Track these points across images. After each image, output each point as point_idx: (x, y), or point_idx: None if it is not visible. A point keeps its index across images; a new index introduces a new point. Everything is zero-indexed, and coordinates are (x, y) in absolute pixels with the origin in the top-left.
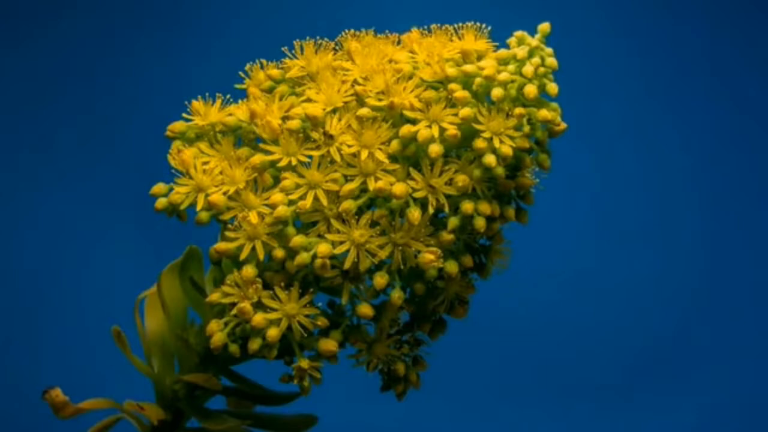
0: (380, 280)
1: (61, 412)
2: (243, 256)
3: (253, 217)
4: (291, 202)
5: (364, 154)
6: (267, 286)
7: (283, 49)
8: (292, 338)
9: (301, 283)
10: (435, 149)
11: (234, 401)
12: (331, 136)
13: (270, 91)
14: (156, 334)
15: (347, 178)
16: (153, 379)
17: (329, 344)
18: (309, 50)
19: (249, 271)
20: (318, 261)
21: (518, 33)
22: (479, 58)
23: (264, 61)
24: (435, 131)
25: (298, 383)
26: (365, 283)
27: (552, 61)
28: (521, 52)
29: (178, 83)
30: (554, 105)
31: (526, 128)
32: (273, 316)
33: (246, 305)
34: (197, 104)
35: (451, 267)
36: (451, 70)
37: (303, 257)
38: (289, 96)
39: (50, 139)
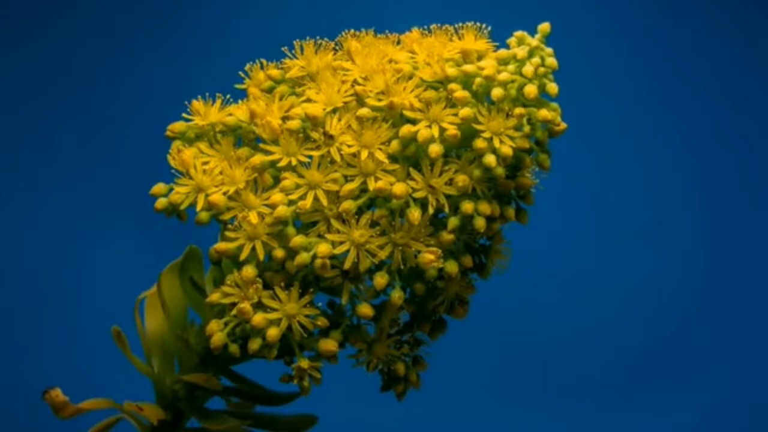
0: (380, 280)
1: (61, 413)
2: (243, 256)
3: (253, 217)
4: (291, 202)
5: (364, 154)
6: (267, 286)
7: (283, 49)
8: (292, 338)
9: (301, 283)
10: (435, 149)
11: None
12: (331, 136)
13: (270, 91)
14: (156, 334)
15: (347, 178)
16: (153, 379)
17: (329, 344)
18: (309, 50)
19: (249, 271)
20: (318, 261)
21: (518, 33)
22: (479, 58)
23: (264, 61)
24: (435, 131)
25: (298, 383)
26: (365, 283)
27: (552, 61)
28: (521, 52)
29: (178, 83)
30: (554, 105)
31: (526, 128)
32: (273, 316)
33: (246, 305)
34: (197, 104)
35: (451, 267)
36: (451, 70)
37: (303, 257)
38: (289, 96)
39: (50, 139)
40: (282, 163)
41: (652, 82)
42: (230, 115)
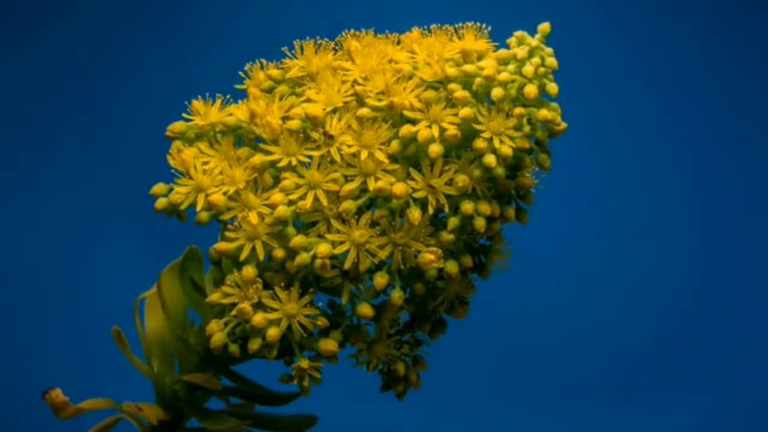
0: (380, 280)
1: (61, 413)
2: (243, 256)
3: (253, 218)
4: (291, 202)
5: (364, 154)
6: (267, 286)
7: (283, 49)
8: (292, 338)
9: (301, 283)
10: (435, 149)
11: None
12: (331, 136)
13: (270, 91)
14: (156, 334)
15: (347, 178)
16: (153, 379)
17: (329, 344)
18: (309, 50)
19: (249, 271)
20: (318, 261)
21: (518, 33)
22: (479, 58)
23: (264, 61)
24: (435, 131)
25: (297, 383)
26: (365, 283)
27: (552, 61)
28: (521, 52)
29: (178, 83)
30: (554, 105)
31: (526, 128)
32: (273, 316)
33: (246, 306)
34: (197, 104)
35: (451, 267)
36: (451, 70)
37: (303, 257)
38: (289, 96)
39: (50, 139)
40: (282, 163)
41: (652, 82)
42: (230, 115)
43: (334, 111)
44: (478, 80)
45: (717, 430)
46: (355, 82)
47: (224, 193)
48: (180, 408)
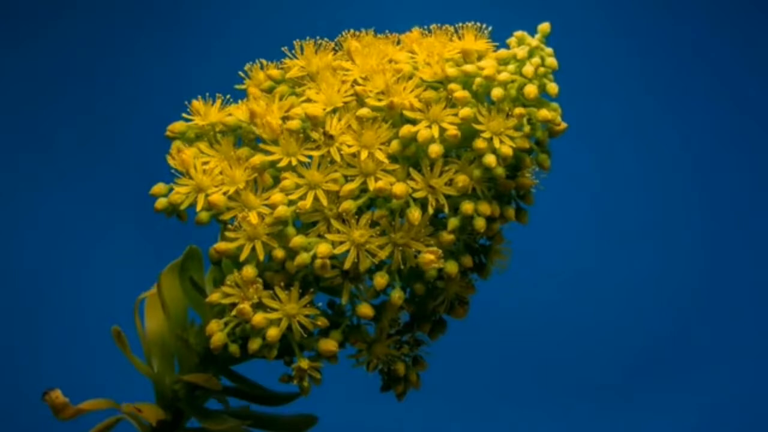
0: (380, 280)
1: (61, 414)
2: (243, 256)
3: (253, 218)
4: (291, 202)
5: (364, 154)
6: (267, 286)
7: (283, 49)
8: (292, 338)
9: (301, 283)
10: (435, 149)
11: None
12: (331, 136)
13: (270, 91)
14: (156, 334)
15: (347, 178)
16: (153, 379)
17: (329, 344)
18: (309, 50)
19: (249, 271)
20: (318, 261)
21: (518, 33)
22: (479, 58)
23: (264, 61)
24: (435, 131)
25: (297, 383)
26: (365, 283)
27: (552, 61)
28: (521, 52)
29: (178, 83)
30: (554, 105)
31: (527, 128)
32: (273, 316)
33: (246, 306)
34: (197, 104)
35: (451, 267)
36: (451, 70)
37: (303, 257)
38: (289, 96)
39: (50, 139)
40: (282, 163)
41: (652, 82)
42: (230, 115)
43: (334, 111)
44: (478, 80)
45: (717, 430)
46: (355, 82)
47: (224, 193)
48: (180, 408)
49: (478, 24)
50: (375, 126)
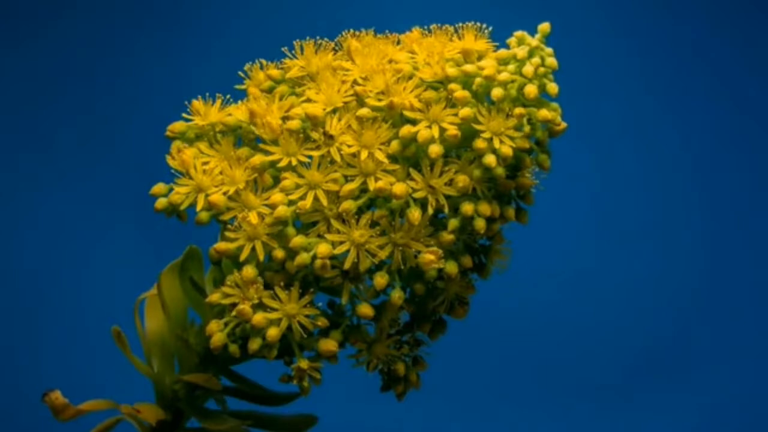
0: (380, 280)
1: (61, 415)
2: (243, 256)
3: (253, 218)
4: (291, 203)
5: (363, 155)
6: (267, 286)
7: (283, 49)
8: (292, 338)
9: (301, 283)
10: (435, 150)
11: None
12: (331, 136)
13: (270, 91)
14: (156, 334)
15: (347, 179)
16: (153, 379)
17: (329, 344)
18: (309, 50)
19: (249, 271)
20: (318, 261)
21: (518, 33)
22: (479, 58)
23: (264, 61)
24: (435, 131)
25: (297, 383)
26: (365, 283)
27: (552, 61)
28: (521, 52)
29: (178, 83)
30: (554, 105)
31: (527, 128)
32: (273, 315)
33: (245, 307)
34: (197, 104)
35: (451, 267)
36: (451, 70)
37: (303, 258)
38: (289, 96)
39: (50, 139)
40: (282, 164)
41: (652, 82)
42: (230, 115)
43: (334, 111)
44: (478, 80)
45: (717, 430)
46: (355, 82)
47: (224, 193)
48: (180, 408)
49: (478, 24)
50: (375, 126)
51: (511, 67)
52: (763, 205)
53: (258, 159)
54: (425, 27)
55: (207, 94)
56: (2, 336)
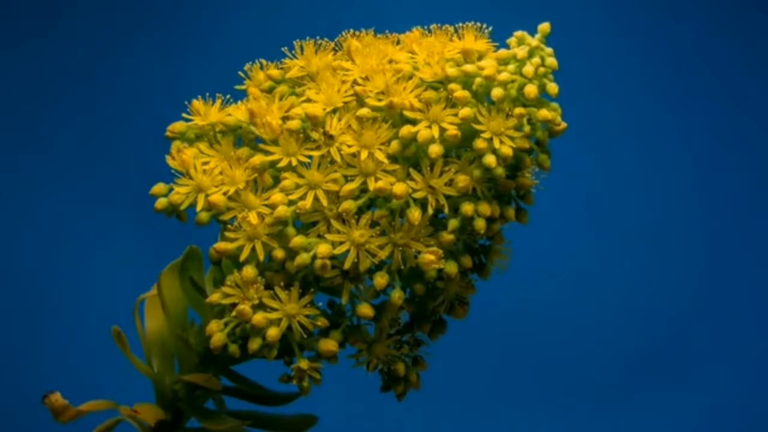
0: (380, 280)
1: (61, 416)
2: (243, 256)
3: (253, 218)
4: (291, 203)
5: (363, 155)
6: (267, 286)
7: (283, 49)
8: (292, 338)
9: (301, 283)
10: (435, 150)
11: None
12: (331, 136)
13: (270, 91)
14: (156, 334)
15: (347, 179)
16: (153, 380)
17: (329, 344)
18: (309, 50)
19: (249, 271)
20: (318, 261)
21: (518, 33)
22: (479, 58)
23: (264, 61)
24: (435, 131)
25: (297, 383)
26: (365, 283)
27: (552, 61)
28: (521, 52)
29: (178, 83)
30: (554, 105)
31: (527, 128)
32: (273, 315)
33: (245, 307)
34: (197, 104)
35: (451, 268)
36: (451, 70)
37: (303, 258)
38: (289, 96)
39: (50, 139)
40: (282, 164)
41: (652, 82)
42: (230, 115)
43: (334, 111)
44: (478, 80)
45: (717, 430)
46: (355, 82)
47: (224, 194)
48: (180, 408)
49: (478, 24)
50: (375, 126)
51: (511, 67)
52: (763, 205)
53: (258, 159)
54: (425, 27)
55: (207, 94)
56: (2, 336)
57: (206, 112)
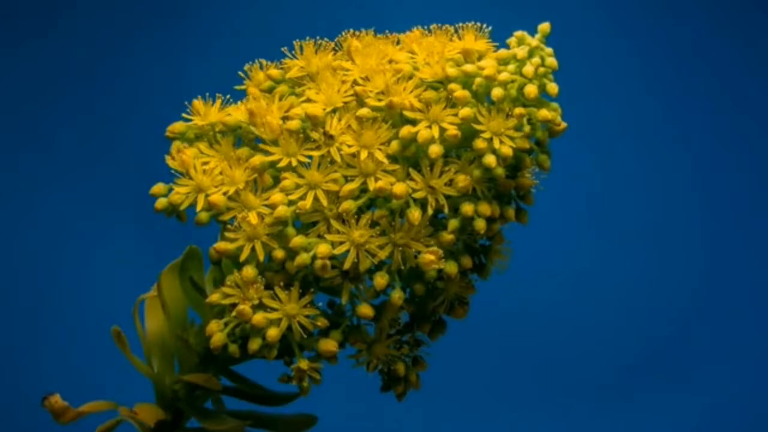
0: (380, 280)
1: (61, 418)
2: (243, 256)
3: (253, 218)
4: (291, 203)
5: (363, 155)
6: (267, 286)
7: (283, 49)
8: (291, 338)
9: (301, 283)
10: (435, 150)
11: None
12: (331, 137)
13: (270, 91)
14: (156, 334)
15: (347, 179)
16: (153, 380)
17: (329, 344)
18: (309, 50)
19: (249, 271)
20: (318, 262)
21: (518, 33)
22: (479, 58)
23: (264, 61)
24: (435, 132)
25: (297, 384)
26: (365, 283)
27: (552, 61)
28: (521, 52)
29: (178, 83)
30: (554, 105)
31: (527, 128)
32: (273, 316)
33: (245, 307)
34: (197, 104)
35: (451, 268)
36: (451, 70)
37: (303, 258)
38: (289, 96)
39: (50, 139)
40: (282, 164)
41: (652, 82)
42: (230, 115)
43: (334, 111)
44: (478, 80)
45: (717, 430)
46: (355, 82)
47: (224, 194)
48: (180, 408)
49: (478, 24)
50: (375, 126)
51: (511, 67)
52: (763, 205)
53: (258, 159)
54: (425, 27)
55: (207, 94)
56: (2, 336)
57: (206, 112)
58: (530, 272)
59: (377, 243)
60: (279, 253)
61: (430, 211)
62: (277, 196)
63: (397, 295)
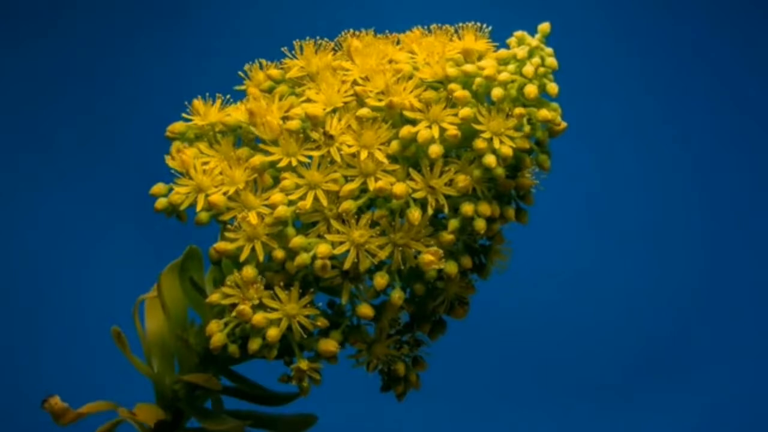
0: (380, 280)
1: (61, 419)
2: (243, 256)
3: (253, 218)
4: (291, 203)
5: (363, 155)
6: (267, 286)
7: (283, 49)
8: (291, 338)
9: (301, 283)
10: (435, 150)
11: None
12: (331, 137)
13: (270, 91)
14: (156, 334)
15: (347, 179)
16: (153, 380)
17: (329, 344)
18: (309, 50)
19: (249, 271)
20: (318, 262)
21: (518, 33)
22: (479, 58)
23: (264, 61)
24: (435, 132)
25: (297, 384)
26: (365, 283)
27: (552, 61)
28: (521, 52)
29: (178, 83)
30: (554, 105)
31: (527, 128)
32: (273, 316)
33: (245, 308)
34: (197, 104)
35: (451, 268)
36: (451, 70)
37: (303, 258)
38: (289, 96)
39: (50, 139)
40: (282, 164)
41: (652, 82)
42: (229, 115)
43: (334, 111)
44: (478, 80)
45: (717, 430)
46: (355, 82)
47: (224, 194)
48: (180, 408)
49: (478, 24)
50: (375, 126)
51: (511, 67)
52: (763, 205)
53: (258, 159)
54: (425, 27)
55: (207, 94)
56: (2, 336)
57: (206, 112)
58: (530, 272)
59: (377, 243)
60: (279, 253)
61: (430, 211)
62: (277, 196)
63: (397, 295)
